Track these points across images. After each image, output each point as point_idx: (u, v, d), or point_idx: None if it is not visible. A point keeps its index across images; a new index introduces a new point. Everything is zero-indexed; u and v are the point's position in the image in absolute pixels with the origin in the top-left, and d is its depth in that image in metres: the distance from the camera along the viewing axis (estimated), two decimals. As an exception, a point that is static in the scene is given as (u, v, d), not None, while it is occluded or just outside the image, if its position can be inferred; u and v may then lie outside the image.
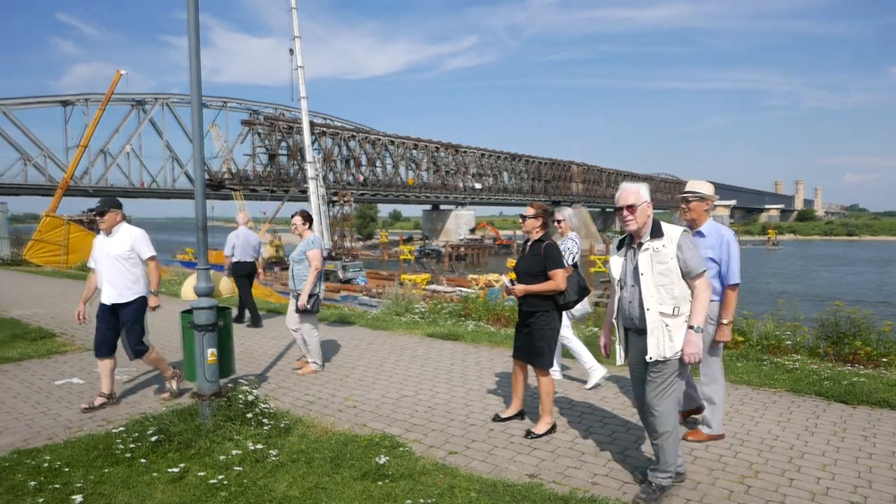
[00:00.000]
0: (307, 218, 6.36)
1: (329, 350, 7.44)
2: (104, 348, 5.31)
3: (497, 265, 58.02)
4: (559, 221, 5.71)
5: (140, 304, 5.30)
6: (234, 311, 9.19)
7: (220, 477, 3.65)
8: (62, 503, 3.41)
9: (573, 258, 5.41)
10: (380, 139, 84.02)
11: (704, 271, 3.46)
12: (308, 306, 6.10)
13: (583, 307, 5.68)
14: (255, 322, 9.18)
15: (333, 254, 55.54)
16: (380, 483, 3.64)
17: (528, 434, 4.50)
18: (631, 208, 3.52)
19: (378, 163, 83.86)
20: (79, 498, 3.42)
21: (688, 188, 4.42)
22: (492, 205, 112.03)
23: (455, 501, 3.43)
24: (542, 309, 4.52)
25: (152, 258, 5.36)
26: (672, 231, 3.51)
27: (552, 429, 4.55)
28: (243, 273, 9.23)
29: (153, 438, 4.15)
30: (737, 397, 5.40)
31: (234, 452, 3.98)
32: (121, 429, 4.44)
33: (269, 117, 72.83)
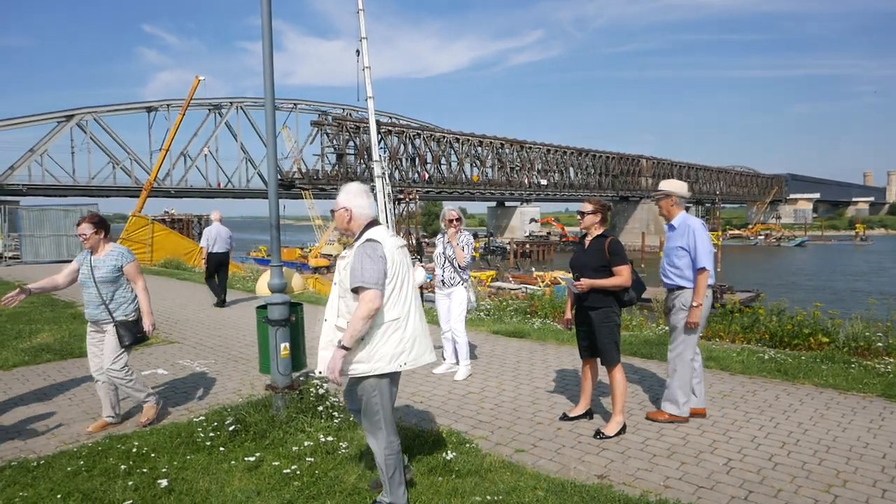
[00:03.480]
0: (99, 224, 4.74)
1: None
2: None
3: (563, 262, 57.16)
4: (458, 220, 6.08)
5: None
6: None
7: (294, 467, 3.77)
8: (150, 487, 3.61)
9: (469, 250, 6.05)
10: (445, 137, 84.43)
11: None
12: (151, 332, 4.92)
13: (473, 299, 6.04)
14: (222, 303, 10.96)
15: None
16: (446, 478, 3.66)
17: (598, 434, 4.41)
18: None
19: (443, 160, 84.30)
20: (164, 482, 3.62)
21: (659, 187, 4.84)
22: (557, 201, 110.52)
23: (522, 499, 3.41)
24: (605, 305, 4.44)
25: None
26: None
27: (623, 429, 4.45)
28: (218, 261, 10.94)
29: (231, 428, 4.34)
30: (821, 401, 5.11)
31: (306, 444, 4.11)
32: (201, 418, 4.66)
33: (337, 118, 74.57)
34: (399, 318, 3.21)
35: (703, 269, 4.52)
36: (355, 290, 3.10)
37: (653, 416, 4.76)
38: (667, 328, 8.00)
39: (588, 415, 4.77)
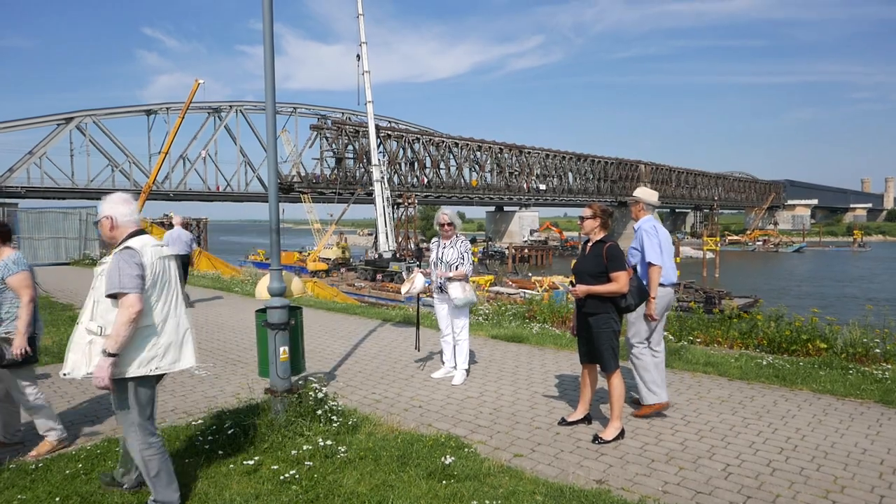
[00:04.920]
0: None
1: (394, 350, 7.55)
2: None
3: (562, 267, 57.25)
4: (450, 225, 6.04)
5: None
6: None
7: (292, 471, 3.77)
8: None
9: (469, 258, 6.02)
10: (444, 141, 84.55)
11: None
12: (21, 354, 4.18)
13: (466, 296, 5.94)
14: (188, 302, 11.09)
15: (398, 255, 56.34)
16: (445, 483, 3.66)
17: (596, 439, 4.42)
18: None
19: (442, 165, 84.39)
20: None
21: (633, 194, 5.27)
22: (556, 206, 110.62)
23: (521, 504, 3.41)
24: (602, 311, 4.44)
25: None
26: None
27: (620, 434, 4.46)
28: (182, 262, 10.75)
29: (229, 432, 4.33)
30: (819, 407, 5.12)
31: (304, 448, 4.11)
32: (199, 422, 4.66)
33: (337, 122, 74.64)
34: (152, 325, 3.31)
35: (650, 263, 4.90)
36: (113, 296, 3.19)
37: (638, 414, 4.94)
38: (665, 332, 8.04)
39: (586, 420, 4.77)
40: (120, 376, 3.23)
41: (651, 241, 4.94)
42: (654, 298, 4.85)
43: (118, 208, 3.36)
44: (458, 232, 6.19)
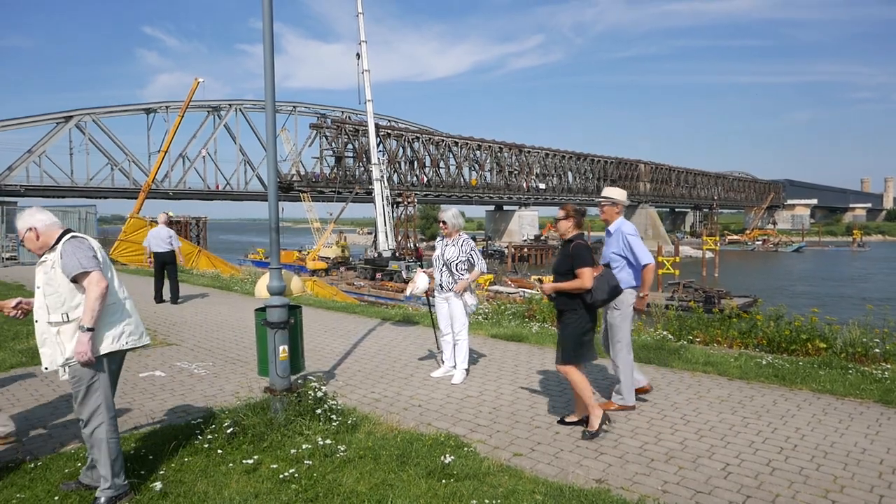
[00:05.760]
0: None
1: (394, 349, 7.55)
2: None
3: (561, 266, 57.08)
4: (443, 223, 6.03)
5: None
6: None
7: (292, 470, 3.77)
8: (146, 489, 3.60)
9: (474, 259, 5.95)
10: (444, 140, 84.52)
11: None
12: None
13: (473, 301, 6.03)
14: (175, 298, 11.60)
15: (397, 254, 56.34)
16: (445, 482, 3.66)
17: (585, 434, 4.47)
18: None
19: (442, 164, 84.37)
20: (158, 485, 3.61)
21: (603, 194, 5.22)
22: (556, 205, 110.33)
23: (520, 503, 3.41)
24: (569, 307, 4.56)
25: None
26: None
27: (605, 419, 4.54)
28: (162, 260, 11.70)
29: (229, 431, 4.33)
30: (819, 407, 5.12)
31: (304, 447, 4.10)
32: (199, 420, 4.66)
33: (337, 121, 74.59)
34: (117, 302, 3.56)
35: (647, 264, 5.02)
36: (74, 280, 3.37)
37: (604, 406, 4.92)
38: (665, 332, 8.05)
39: (584, 422, 4.77)
40: (95, 354, 3.40)
41: (639, 243, 5.08)
42: (646, 295, 5.08)
43: (36, 217, 3.50)
44: (462, 231, 6.19)
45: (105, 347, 3.46)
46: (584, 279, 4.45)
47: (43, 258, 3.48)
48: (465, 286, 5.98)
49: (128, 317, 3.61)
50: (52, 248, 3.46)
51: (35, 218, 3.48)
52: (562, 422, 4.80)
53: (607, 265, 5.07)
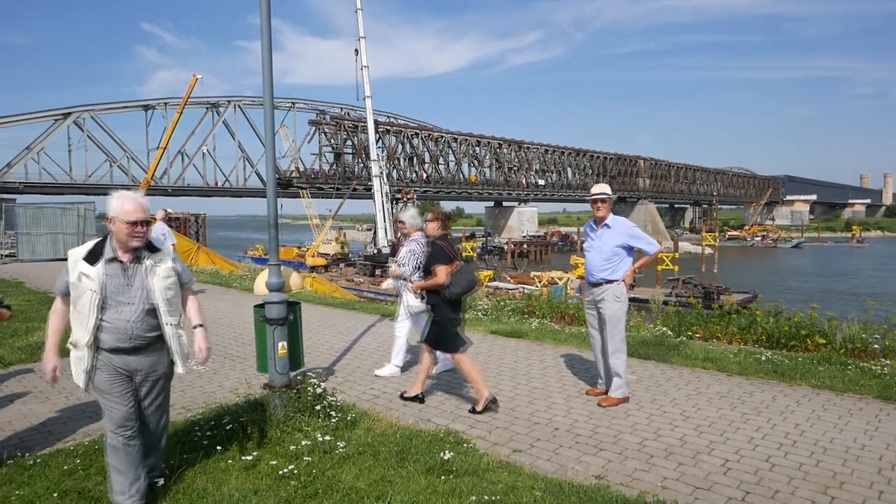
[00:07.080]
0: None
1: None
2: None
3: (561, 262, 57.20)
4: (402, 223, 6.09)
5: None
6: None
7: (291, 466, 3.77)
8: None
9: (416, 260, 5.77)
10: (443, 136, 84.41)
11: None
12: None
13: (414, 303, 5.90)
14: None
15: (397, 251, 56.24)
16: (444, 478, 3.66)
17: (473, 410, 4.93)
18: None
19: (441, 160, 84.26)
20: (160, 481, 3.61)
21: (597, 190, 5.31)
22: (555, 201, 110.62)
23: (520, 499, 3.41)
24: (433, 302, 5.07)
25: None
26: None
27: (493, 402, 4.95)
28: None
29: (228, 427, 4.33)
30: (818, 403, 5.12)
31: (303, 443, 4.10)
32: (198, 417, 4.65)
33: (336, 117, 74.45)
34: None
35: (659, 250, 5.48)
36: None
37: (605, 403, 5.12)
38: (664, 328, 8.06)
39: (419, 398, 5.23)
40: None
41: (642, 233, 5.37)
42: (636, 269, 5.33)
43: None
44: (418, 232, 5.94)
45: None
46: (437, 276, 4.97)
47: (149, 259, 3.50)
48: (395, 274, 5.98)
49: None
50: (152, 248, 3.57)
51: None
52: (402, 397, 5.32)
53: (467, 260, 5.20)
